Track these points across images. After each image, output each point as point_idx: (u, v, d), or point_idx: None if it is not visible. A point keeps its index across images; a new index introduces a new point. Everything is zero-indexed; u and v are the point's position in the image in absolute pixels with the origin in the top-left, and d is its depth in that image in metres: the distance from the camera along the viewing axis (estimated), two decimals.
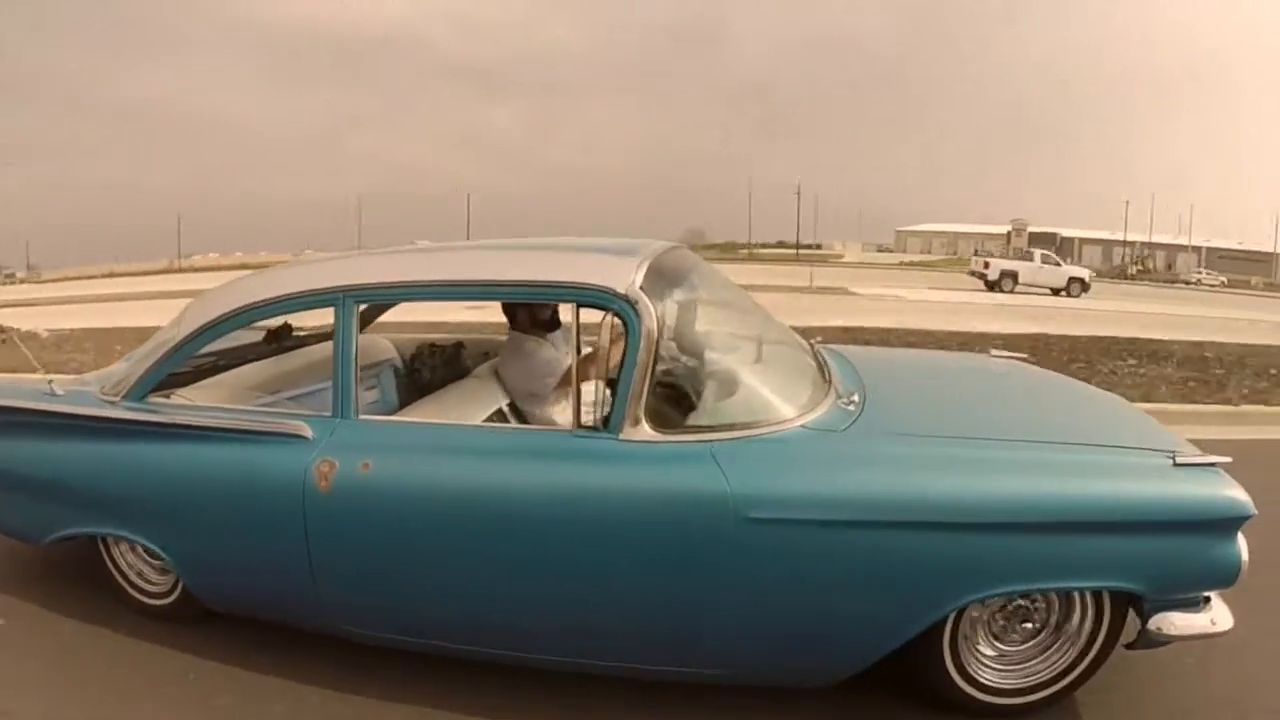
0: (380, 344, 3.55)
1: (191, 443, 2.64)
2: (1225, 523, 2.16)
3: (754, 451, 2.21)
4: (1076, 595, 2.33)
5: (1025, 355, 4.03)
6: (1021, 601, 2.35)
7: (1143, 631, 2.26)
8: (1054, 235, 66.10)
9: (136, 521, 2.75)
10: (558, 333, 3.11)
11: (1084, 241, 68.01)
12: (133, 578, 3.03)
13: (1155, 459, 2.26)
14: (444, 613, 2.39)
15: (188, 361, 2.94)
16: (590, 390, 2.34)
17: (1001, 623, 2.38)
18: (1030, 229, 62.42)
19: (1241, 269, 55.73)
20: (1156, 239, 68.04)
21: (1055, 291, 25.17)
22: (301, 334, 3.48)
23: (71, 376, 3.98)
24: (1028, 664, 2.38)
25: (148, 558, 3.00)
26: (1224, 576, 2.19)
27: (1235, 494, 2.17)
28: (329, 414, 2.50)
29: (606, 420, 2.25)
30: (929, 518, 2.12)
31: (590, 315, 2.37)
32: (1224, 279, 52.98)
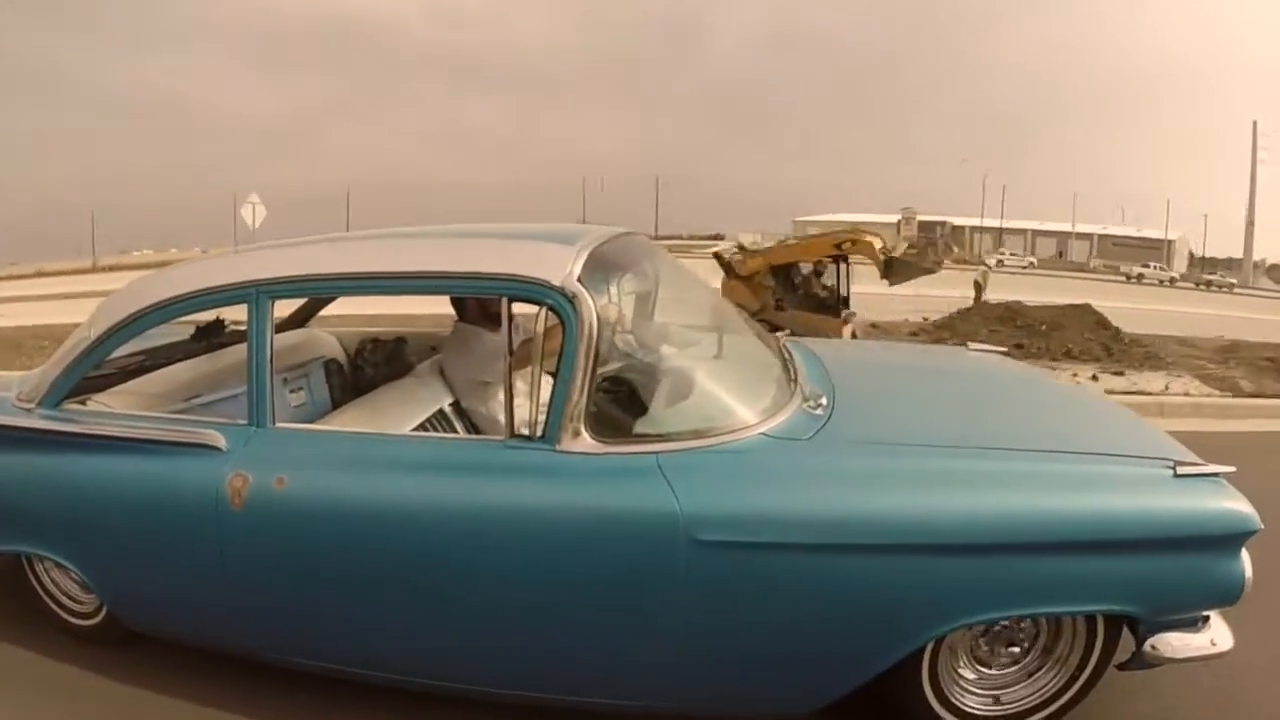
0: (320, 339, 3.32)
1: (103, 454, 2.43)
2: (1229, 539, 1.94)
3: (707, 464, 1.99)
4: (1067, 620, 2.11)
5: (1005, 349, 3.79)
6: (1006, 624, 2.14)
7: (1137, 653, 2.07)
8: (943, 223, 67.01)
9: (52, 538, 2.55)
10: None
11: (974, 229, 67.96)
12: (59, 597, 2.84)
13: (1154, 469, 2.03)
14: (364, 640, 2.18)
15: (108, 363, 2.73)
16: (524, 391, 2.11)
17: (985, 646, 2.17)
18: (921, 217, 64.71)
19: (1135, 256, 55.85)
20: (1051, 226, 68.26)
21: None
22: (240, 329, 3.26)
23: None
24: (1012, 688, 2.17)
25: (72, 577, 2.81)
26: (1226, 595, 1.99)
27: (1240, 507, 1.95)
28: (244, 422, 2.28)
29: (544, 429, 2.02)
30: (902, 539, 1.90)
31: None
32: (1033, 260, 53.73)
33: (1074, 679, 2.13)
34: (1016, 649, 2.16)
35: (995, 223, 68.88)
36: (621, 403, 2.21)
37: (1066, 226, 67.52)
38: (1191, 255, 65.49)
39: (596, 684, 2.09)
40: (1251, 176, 44.30)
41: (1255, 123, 45.26)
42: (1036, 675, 2.16)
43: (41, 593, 2.84)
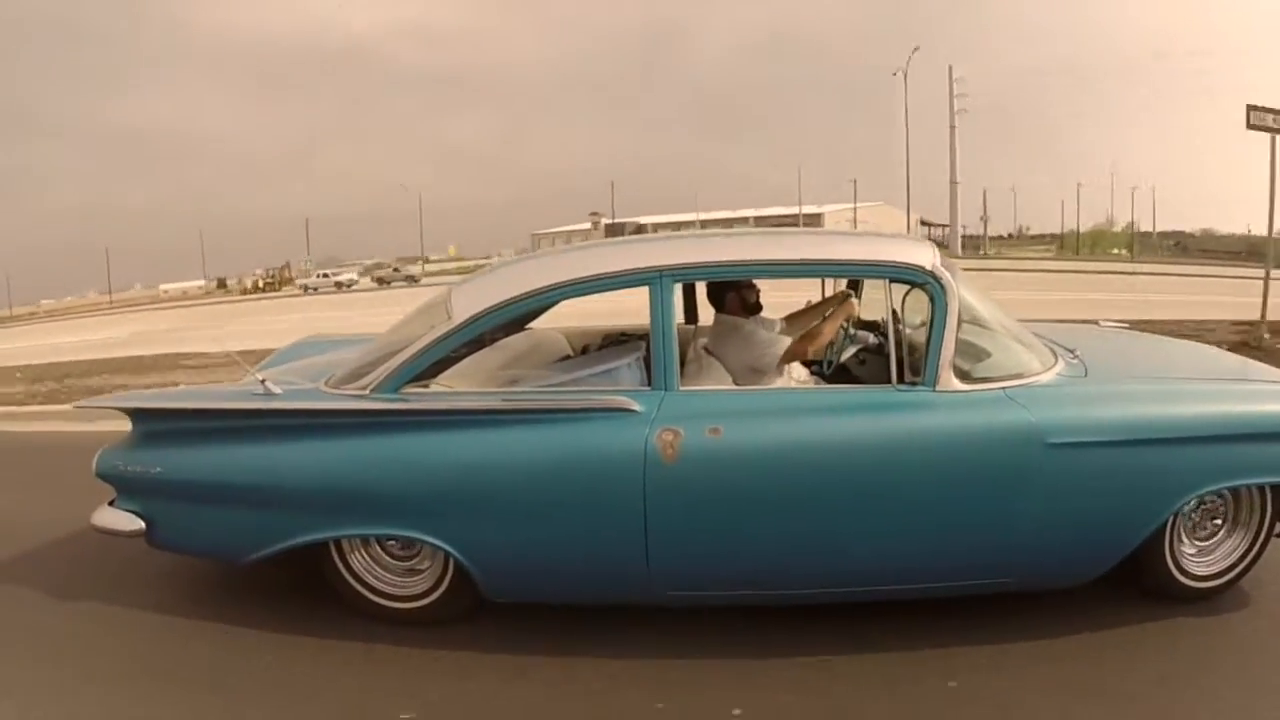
0: (554, 336, 3.61)
1: (488, 429, 2.64)
2: None
3: (1038, 394, 2.66)
4: (1244, 492, 2.97)
5: (1129, 323, 4.83)
6: (1209, 502, 2.96)
7: None
8: (629, 224, 69.01)
9: (412, 518, 2.69)
10: (759, 315, 3.38)
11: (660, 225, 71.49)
12: (373, 582, 2.92)
13: None
14: (785, 563, 2.59)
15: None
16: (799, 367, 2.66)
17: (1194, 521, 2.98)
18: (607, 220, 65.86)
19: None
20: (723, 215, 68.40)
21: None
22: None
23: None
24: (1215, 553, 2.99)
25: (399, 560, 2.91)
26: None
27: None
28: (647, 388, 2.63)
29: (924, 375, 2.60)
30: (1166, 433, 2.65)
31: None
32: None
33: (1253, 543, 2.99)
34: (1219, 520, 2.99)
35: (691, 216, 70.32)
36: (963, 355, 2.81)
37: (733, 214, 68.54)
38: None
39: (960, 570, 2.64)
40: (950, 127, 40.23)
41: (950, 68, 40.76)
42: (1230, 539, 3.00)
43: (351, 580, 2.91)
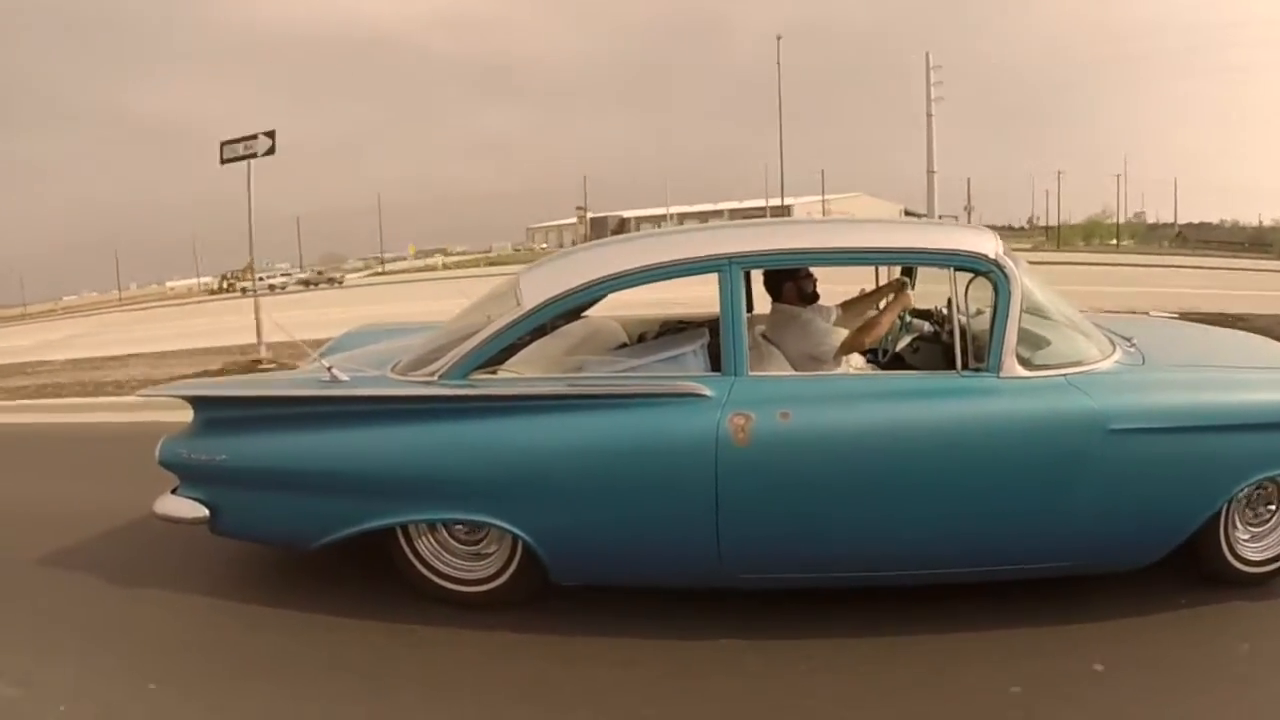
0: (610, 325, 3.65)
1: (558, 414, 2.68)
2: None
3: (1099, 381, 2.69)
4: None
5: (1178, 314, 4.89)
6: (1266, 487, 3.00)
7: None
8: (612, 218, 69.81)
9: (482, 502, 2.73)
10: (816, 304, 3.42)
11: (641, 219, 69.54)
12: (440, 567, 2.96)
13: None
14: (852, 545, 2.63)
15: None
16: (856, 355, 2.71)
17: (1249, 507, 3.02)
18: (593, 215, 66.22)
19: None
20: (698, 208, 70.37)
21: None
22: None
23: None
24: (1268, 538, 3.04)
25: (465, 544, 2.95)
26: None
27: None
28: (717, 373, 2.67)
29: (988, 361, 2.64)
30: (1224, 421, 2.69)
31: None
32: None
33: None
34: (1273, 505, 3.03)
35: (666, 210, 71.64)
36: (1024, 342, 2.84)
37: (714, 207, 69.04)
38: None
39: (1020, 552, 2.68)
40: (928, 115, 37.77)
41: (928, 54, 38.09)
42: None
43: (418, 564, 2.95)
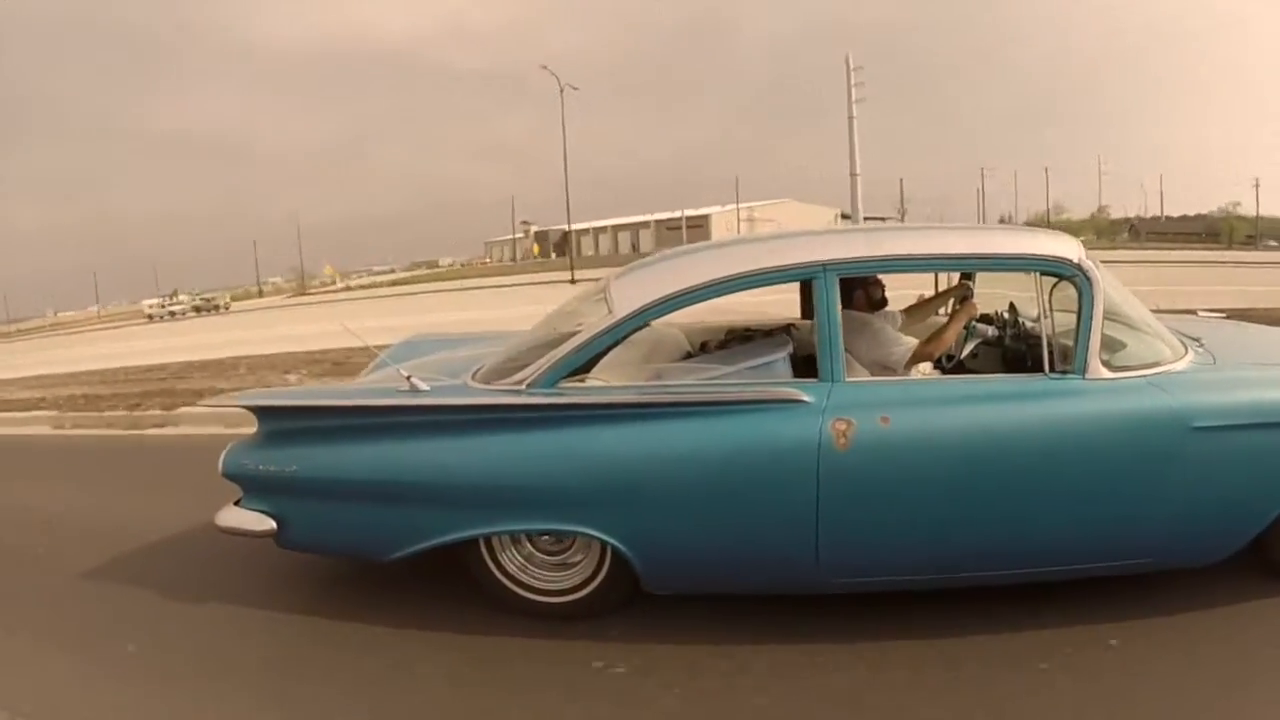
0: (673, 333, 3.64)
1: (653, 421, 2.67)
2: None
3: (1178, 381, 2.77)
4: None
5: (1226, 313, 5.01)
6: None
7: None
8: (553, 231, 75.30)
9: (574, 512, 2.70)
10: (884, 310, 3.46)
11: (579, 232, 74.57)
12: (523, 578, 2.92)
13: None
14: (948, 547, 2.66)
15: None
16: (925, 365, 2.77)
17: None
18: (537, 228, 75.61)
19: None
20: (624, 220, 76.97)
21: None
22: None
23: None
24: None
25: (550, 555, 2.91)
26: None
27: None
28: (814, 380, 2.68)
29: (1074, 364, 2.70)
30: None
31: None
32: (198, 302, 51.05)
33: None
34: None
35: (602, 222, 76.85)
36: (1104, 345, 2.90)
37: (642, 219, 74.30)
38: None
39: (1103, 551, 2.72)
40: (849, 119, 38.08)
41: (848, 58, 38.43)
42: None
43: (500, 575, 2.91)
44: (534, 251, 74.34)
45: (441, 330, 5.38)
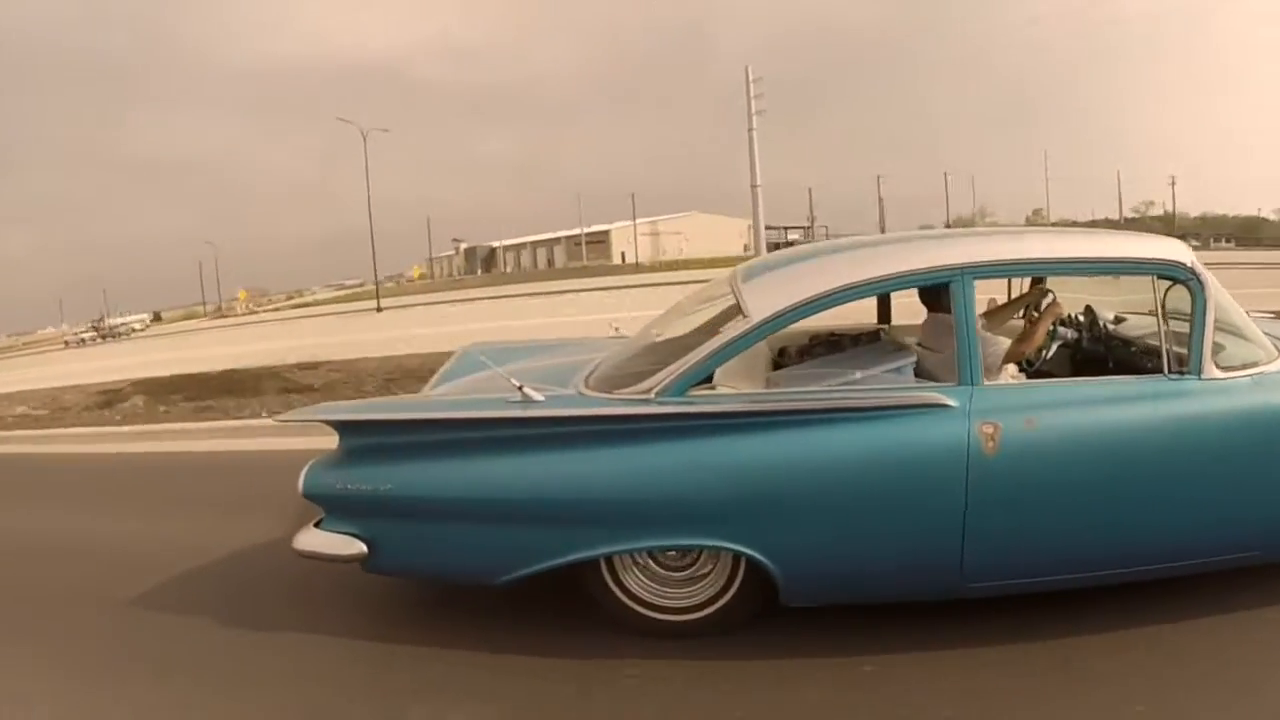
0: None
1: (790, 429, 2.57)
2: None
3: (1278, 380, 2.88)
4: None
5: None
6: None
7: None
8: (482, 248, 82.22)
9: (709, 525, 2.58)
10: None
11: (507, 248, 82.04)
12: (647, 597, 2.76)
13: None
14: (1086, 549, 2.67)
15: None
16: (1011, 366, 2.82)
17: None
18: (467, 244, 79.90)
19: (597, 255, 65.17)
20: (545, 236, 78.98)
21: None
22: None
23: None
24: None
25: (675, 570, 2.77)
26: None
27: None
28: (953, 383, 2.64)
29: (1190, 365, 2.76)
30: None
31: None
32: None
33: None
34: None
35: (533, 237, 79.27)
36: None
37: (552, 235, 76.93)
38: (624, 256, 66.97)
39: (1222, 545, 2.77)
40: (749, 130, 37.79)
41: (747, 68, 38.33)
42: None
43: (621, 595, 2.76)
44: (415, 274, 77.49)
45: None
